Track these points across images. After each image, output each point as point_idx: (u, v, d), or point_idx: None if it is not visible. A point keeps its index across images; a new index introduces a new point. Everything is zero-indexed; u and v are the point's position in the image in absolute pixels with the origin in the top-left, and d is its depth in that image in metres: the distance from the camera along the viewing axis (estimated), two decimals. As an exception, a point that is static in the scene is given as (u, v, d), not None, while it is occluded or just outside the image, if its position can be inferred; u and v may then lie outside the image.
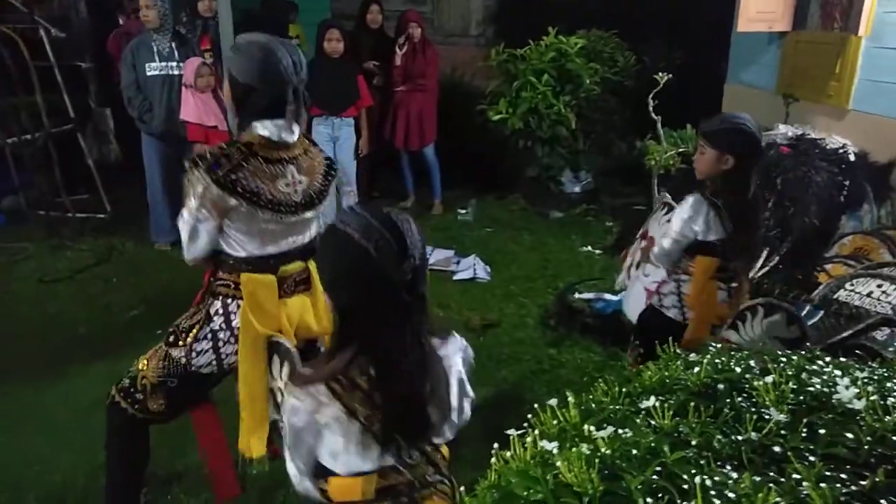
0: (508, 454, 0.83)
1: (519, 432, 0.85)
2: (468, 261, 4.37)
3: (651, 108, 4.01)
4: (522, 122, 4.97)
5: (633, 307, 2.70)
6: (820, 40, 4.18)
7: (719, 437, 0.74)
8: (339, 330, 1.22)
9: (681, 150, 4.47)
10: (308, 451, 1.26)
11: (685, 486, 0.62)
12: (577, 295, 3.69)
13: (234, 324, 1.88)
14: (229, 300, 1.88)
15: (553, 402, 0.88)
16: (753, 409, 0.81)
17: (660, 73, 3.83)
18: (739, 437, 0.74)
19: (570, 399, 0.90)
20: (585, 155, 5.55)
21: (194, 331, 1.90)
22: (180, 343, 1.90)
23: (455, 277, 4.23)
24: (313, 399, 1.18)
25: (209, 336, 1.89)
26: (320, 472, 1.27)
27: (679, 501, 0.62)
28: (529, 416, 0.97)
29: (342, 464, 1.24)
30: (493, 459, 0.85)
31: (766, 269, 3.47)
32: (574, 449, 0.71)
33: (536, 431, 0.83)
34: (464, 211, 5.40)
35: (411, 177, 5.52)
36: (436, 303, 3.86)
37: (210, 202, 1.75)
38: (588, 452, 0.69)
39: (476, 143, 5.68)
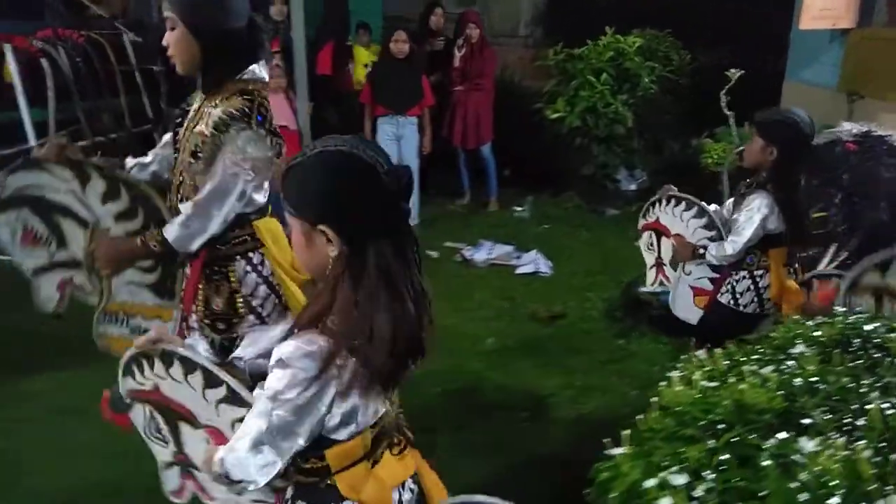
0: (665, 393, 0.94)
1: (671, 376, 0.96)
2: (530, 255, 4.48)
3: (724, 105, 4.05)
4: (580, 121, 5.06)
5: (682, 306, 2.65)
6: (886, 37, 4.18)
7: (865, 378, 0.85)
8: (346, 260, 1.09)
9: (740, 148, 4.51)
10: (310, 426, 1.09)
11: (853, 406, 0.73)
12: (643, 288, 3.77)
13: (265, 273, 1.82)
14: (251, 254, 1.81)
15: (701, 353, 0.99)
16: (889, 359, 0.91)
17: (731, 70, 3.88)
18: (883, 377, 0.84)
19: (717, 351, 1.01)
20: (640, 153, 5.62)
21: (238, 306, 1.81)
22: (235, 321, 1.82)
23: (517, 271, 4.34)
24: (327, 350, 1.05)
25: (253, 298, 1.83)
26: (313, 448, 1.13)
27: (849, 419, 0.73)
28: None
29: (352, 427, 1.13)
30: (654, 399, 0.96)
31: (835, 263, 3.50)
32: (741, 384, 0.82)
33: (696, 374, 0.94)
34: (520, 208, 5.51)
35: (467, 175, 5.65)
36: (500, 295, 3.99)
37: (261, 160, 1.69)
38: (758, 382, 0.80)
39: (528, 141, 5.81)
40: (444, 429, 2.68)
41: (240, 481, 1.10)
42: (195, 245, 1.74)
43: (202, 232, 1.72)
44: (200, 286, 1.81)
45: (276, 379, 1.07)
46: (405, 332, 1.09)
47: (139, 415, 1.47)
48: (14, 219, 1.83)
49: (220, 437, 1.36)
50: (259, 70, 1.78)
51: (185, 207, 1.73)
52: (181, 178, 1.78)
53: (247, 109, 1.68)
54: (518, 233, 5.02)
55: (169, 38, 1.68)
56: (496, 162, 5.50)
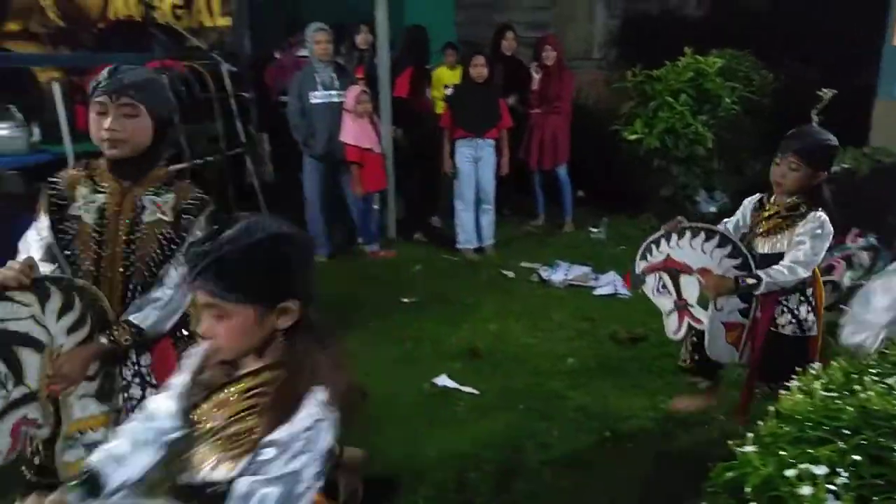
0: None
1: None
2: (608, 277, 4.46)
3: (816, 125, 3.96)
4: (659, 142, 5.04)
5: (717, 346, 2.50)
6: None
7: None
8: (303, 325, 1.20)
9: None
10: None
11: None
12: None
13: None
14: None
15: (817, 365, 1.01)
16: None
17: (824, 90, 3.79)
18: None
19: (835, 363, 1.03)
20: (721, 174, 5.52)
21: None
22: None
23: (596, 292, 4.33)
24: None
25: None
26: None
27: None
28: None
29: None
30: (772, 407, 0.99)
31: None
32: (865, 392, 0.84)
33: (816, 383, 0.96)
34: (596, 230, 5.51)
35: (542, 196, 5.70)
36: (579, 316, 3.99)
37: None
38: (884, 390, 0.82)
39: (603, 163, 5.82)
40: (528, 446, 2.71)
41: None
42: (170, 324, 1.77)
43: (179, 309, 1.78)
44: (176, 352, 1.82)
45: (297, 460, 1.12)
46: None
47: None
48: None
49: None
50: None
51: (163, 293, 1.73)
52: (133, 269, 1.74)
53: (204, 196, 1.82)
54: (594, 254, 5.01)
55: (124, 124, 1.66)
56: (572, 183, 5.53)
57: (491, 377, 3.29)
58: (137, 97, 1.66)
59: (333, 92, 4.72)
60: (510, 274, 4.67)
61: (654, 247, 2.57)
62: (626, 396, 3.08)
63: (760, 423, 0.98)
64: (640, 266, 2.65)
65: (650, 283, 2.65)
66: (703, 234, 2.43)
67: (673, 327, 2.67)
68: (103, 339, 1.69)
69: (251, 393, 1.19)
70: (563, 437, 2.77)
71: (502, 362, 3.46)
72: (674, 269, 2.54)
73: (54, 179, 1.76)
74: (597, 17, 7.97)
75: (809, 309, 2.43)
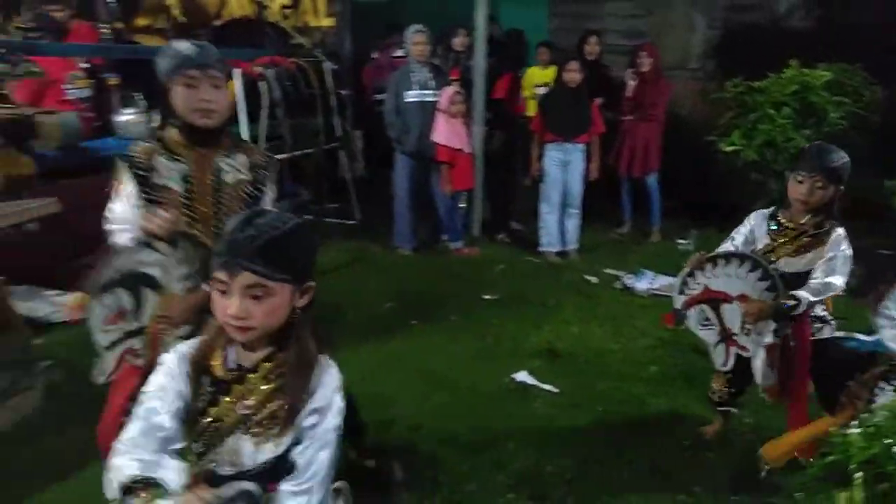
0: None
1: None
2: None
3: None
4: (757, 155, 4.88)
5: (762, 371, 2.41)
6: None
7: None
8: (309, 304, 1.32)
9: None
10: None
11: None
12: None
13: None
14: None
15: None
16: None
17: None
18: None
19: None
20: (822, 192, 5.28)
21: None
22: None
23: (681, 303, 4.25)
24: None
25: None
26: None
27: None
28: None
29: None
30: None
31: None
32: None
33: None
34: (684, 241, 5.39)
35: (630, 204, 5.64)
36: (663, 325, 3.92)
37: None
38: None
39: (695, 174, 5.69)
40: (604, 448, 2.72)
41: None
42: None
43: None
44: None
45: (335, 420, 1.32)
46: None
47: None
48: (113, 300, 1.82)
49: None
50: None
51: None
52: (221, 227, 1.79)
53: (270, 154, 2.04)
54: (681, 265, 4.86)
55: (215, 94, 1.82)
56: (660, 192, 5.45)
57: (570, 377, 3.30)
58: (222, 70, 1.85)
59: (428, 92, 4.86)
60: (593, 279, 4.66)
61: (689, 280, 2.49)
62: (708, 408, 3.02)
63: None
64: (680, 301, 2.52)
65: (693, 317, 2.53)
66: (735, 261, 2.36)
67: (721, 359, 2.54)
68: (206, 288, 1.83)
69: (272, 376, 1.30)
70: (641, 442, 2.76)
71: (582, 364, 3.47)
72: (714, 300, 2.44)
73: (131, 154, 1.87)
74: (696, 26, 7.79)
75: (822, 307, 2.47)
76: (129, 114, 4.76)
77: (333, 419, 1.31)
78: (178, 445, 1.29)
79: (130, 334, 1.86)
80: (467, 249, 5.18)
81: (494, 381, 3.27)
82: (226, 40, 5.88)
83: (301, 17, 6.33)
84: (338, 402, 1.32)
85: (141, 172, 1.85)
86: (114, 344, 1.86)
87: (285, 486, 1.27)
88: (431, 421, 2.87)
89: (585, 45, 5.38)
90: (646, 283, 4.47)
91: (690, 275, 2.47)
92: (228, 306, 1.22)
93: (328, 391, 1.31)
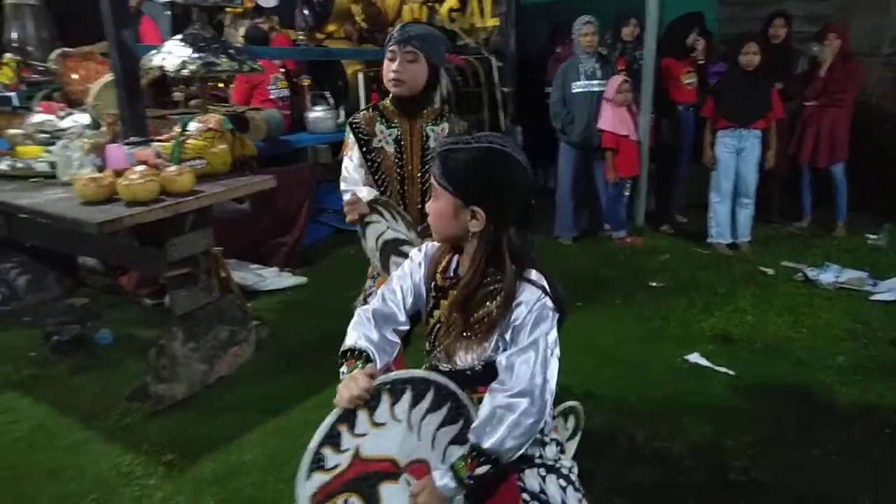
0: None
1: None
2: (890, 283, 4.02)
3: None
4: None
5: None
6: None
7: None
8: (486, 237, 1.34)
9: None
10: None
11: None
12: None
13: None
14: None
15: None
16: None
17: None
18: None
19: None
20: None
21: None
22: None
23: (873, 298, 3.93)
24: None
25: None
26: None
27: None
28: None
29: None
30: None
31: None
32: None
33: None
34: (874, 236, 4.95)
35: (811, 196, 5.28)
36: (852, 318, 3.67)
37: None
38: None
39: (888, 166, 5.20)
40: (790, 429, 2.62)
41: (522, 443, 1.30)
42: None
43: None
44: None
45: (540, 327, 1.31)
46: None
47: None
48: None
49: (422, 470, 1.33)
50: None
51: None
52: (426, 185, 2.09)
53: (464, 128, 2.14)
54: (871, 261, 4.51)
55: (405, 67, 2.01)
56: (847, 184, 5.04)
57: (747, 362, 3.20)
58: (418, 46, 2.02)
59: (595, 82, 4.91)
60: (769, 271, 4.43)
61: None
62: (909, 401, 2.80)
63: None
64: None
65: None
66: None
67: None
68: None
69: (485, 282, 1.37)
70: (832, 425, 2.63)
71: (760, 350, 3.34)
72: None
73: (355, 121, 2.14)
74: (892, 9, 7.08)
75: None
76: (319, 111, 5.30)
77: (537, 330, 1.31)
78: (403, 327, 1.47)
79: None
80: (630, 238, 5.14)
81: (664, 360, 3.26)
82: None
83: (468, 19, 6.62)
84: (537, 316, 1.32)
85: (363, 136, 2.14)
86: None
87: (491, 387, 1.32)
88: (603, 392, 2.93)
89: (770, 28, 5.11)
90: (831, 275, 4.18)
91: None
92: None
93: (528, 303, 1.32)
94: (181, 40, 3.51)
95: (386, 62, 2.07)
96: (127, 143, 3.18)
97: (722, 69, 5.28)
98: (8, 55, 5.68)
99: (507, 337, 1.34)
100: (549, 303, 1.33)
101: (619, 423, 2.67)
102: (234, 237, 4.04)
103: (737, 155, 4.70)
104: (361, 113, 2.19)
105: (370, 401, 1.30)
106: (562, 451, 1.51)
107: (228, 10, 5.37)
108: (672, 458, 2.45)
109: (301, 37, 5.37)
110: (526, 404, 1.28)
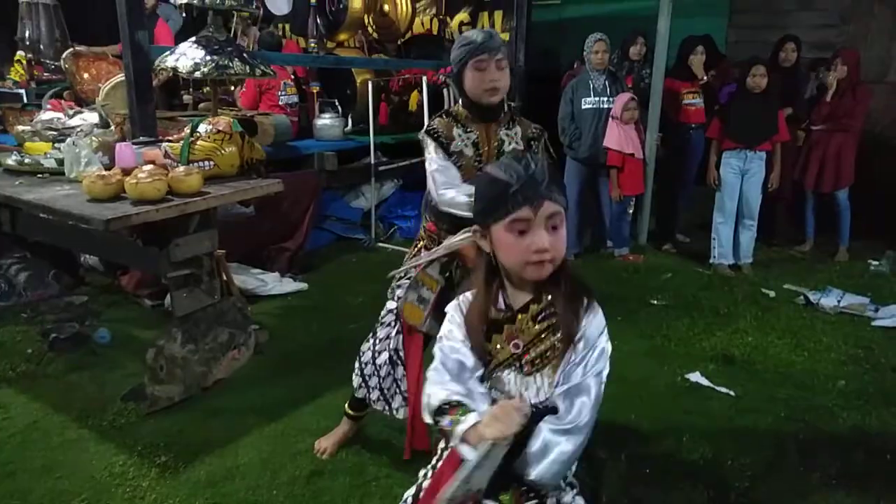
0: None
1: None
2: (893, 309, 4.01)
3: None
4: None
5: None
6: None
7: None
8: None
9: None
10: None
11: None
12: None
13: None
14: None
15: None
16: None
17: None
18: None
19: None
20: None
21: None
22: None
23: (875, 323, 3.91)
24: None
25: None
26: None
27: None
28: None
29: None
30: None
31: None
32: None
33: None
34: (877, 262, 4.94)
35: (813, 220, 5.28)
36: (853, 343, 3.65)
37: None
38: None
39: (893, 192, 5.22)
40: (790, 451, 2.61)
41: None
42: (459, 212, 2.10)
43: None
44: None
45: (596, 366, 1.30)
46: None
47: None
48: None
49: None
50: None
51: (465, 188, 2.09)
52: None
53: (540, 126, 2.23)
54: (873, 287, 4.51)
55: (500, 75, 2.06)
56: (851, 209, 5.04)
57: (748, 383, 3.18)
58: (506, 53, 2.09)
59: (604, 98, 4.93)
60: (771, 293, 4.42)
61: None
62: (911, 428, 2.78)
63: None
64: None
65: None
66: None
67: None
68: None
69: (542, 316, 1.31)
70: (833, 450, 2.60)
71: (761, 372, 3.32)
72: None
73: (434, 127, 2.15)
74: (898, 35, 7.13)
75: None
76: (327, 118, 5.33)
77: (598, 363, 1.28)
78: (480, 373, 1.35)
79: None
80: (633, 256, 5.14)
81: (665, 378, 3.24)
82: (409, 53, 6.38)
83: (477, 34, 6.69)
84: (602, 345, 1.30)
85: (443, 141, 2.14)
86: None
87: (546, 424, 1.26)
88: (603, 407, 2.88)
89: (781, 52, 5.14)
90: (833, 299, 4.17)
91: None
92: (534, 242, 1.24)
93: (594, 332, 1.29)
94: (195, 42, 3.53)
95: (474, 72, 2.05)
96: (136, 143, 3.19)
97: (733, 89, 5.30)
98: (20, 53, 5.73)
99: (570, 365, 1.29)
100: (606, 335, 1.31)
101: (620, 440, 2.64)
102: (237, 241, 4.03)
103: (741, 176, 4.71)
104: (436, 120, 2.20)
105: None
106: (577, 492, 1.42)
107: (241, 14, 5.41)
108: (672, 478, 2.43)
109: (313, 44, 5.40)
110: (580, 440, 1.26)
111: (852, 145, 4.97)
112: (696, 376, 3.23)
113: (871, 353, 3.53)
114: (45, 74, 5.72)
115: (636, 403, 2.97)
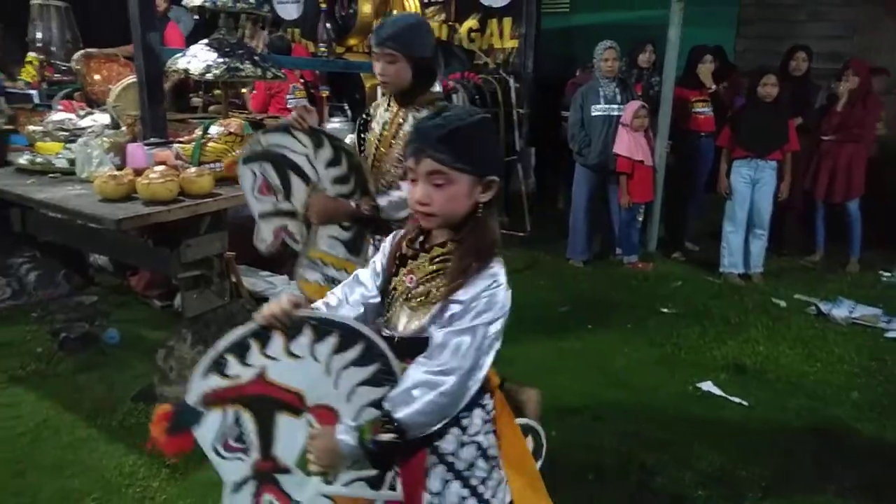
0: None
1: None
2: (905, 320, 3.98)
3: None
4: None
5: None
6: None
7: None
8: (493, 200, 1.31)
9: None
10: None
11: None
12: None
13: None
14: None
15: None
16: None
17: None
18: None
19: None
20: None
21: None
22: None
23: (888, 335, 3.89)
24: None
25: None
26: None
27: None
28: None
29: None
30: None
31: None
32: None
33: None
34: (889, 274, 4.92)
35: (824, 230, 5.25)
36: (866, 354, 3.63)
37: None
38: None
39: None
40: (805, 462, 2.58)
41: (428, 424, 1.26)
42: (401, 215, 2.07)
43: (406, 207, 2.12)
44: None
45: (483, 316, 1.25)
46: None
47: (212, 427, 1.27)
48: (258, 169, 2.13)
49: (328, 417, 1.28)
50: (438, 86, 2.21)
51: (403, 189, 2.07)
52: (386, 168, 2.16)
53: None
54: (885, 298, 4.48)
55: (388, 69, 2.06)
56: (862, 220, 5.02)
57: (760, 393, 3.16)
58: (394, 46, 2.05)
59: (614, 106, 4.93)
60: (782, 303, 4.39)
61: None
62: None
63: None
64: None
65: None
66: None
67: None
68: (352, 202, 2.14)
69: (438, 259, 1.34)
70: (847, 461, 2.58)
71: (773, 382, 3.29)
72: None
73: (368, 109, 2.27)
74: (909, 47, 7.12)
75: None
76: (336, 122, 5.33)
77: (481, 317, 1.26)
78: (374, 300, 1.43)
79: (282, 213, 2.18)
80: (642, 264, 5.12)
81: (676, 386, 3.22)
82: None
83: (487, 40, 6.69)
84: (485, 304, 1.26)
85: (366, 116, 2.27)
86: (266, 215, 2.20)
87: (417, 360, 1.28)
88: (613, 414, 2.90)
89: (791, 61, 5.13)
90: (845, 310, 4.14)
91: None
92: (414, 193, 1.31)
93: (476, 289, 1.27)
94: (206, 45, 3.53)
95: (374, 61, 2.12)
96: (147, 144, 3.19)
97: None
98: (32, 54, 5.75)
99: (448, 314, 1.28)
100: (502, 294, 1.28)
101: (631, 449, 2.62)
102: (246, 243, 4.02)
103: (752, 185, 4.69)
104: (381, 98, 2.28)
105: (290, 329, 1.24)
106: (491, 462, 1.40)
107: (250, 17, 5.43)
108: (684, 487, 2.40)
109: (323, 49, 5.41)
110: (448, 384, 1.24)
111: (863, 155, 4.95)
112: (707, 385, 3.20)
113: (884, 364, 3.50)
114: (57, 76, 5.73)
115: (646, 411, 2.95)
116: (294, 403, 1.29)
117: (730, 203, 4.79)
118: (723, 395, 3.12)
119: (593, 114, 4.95)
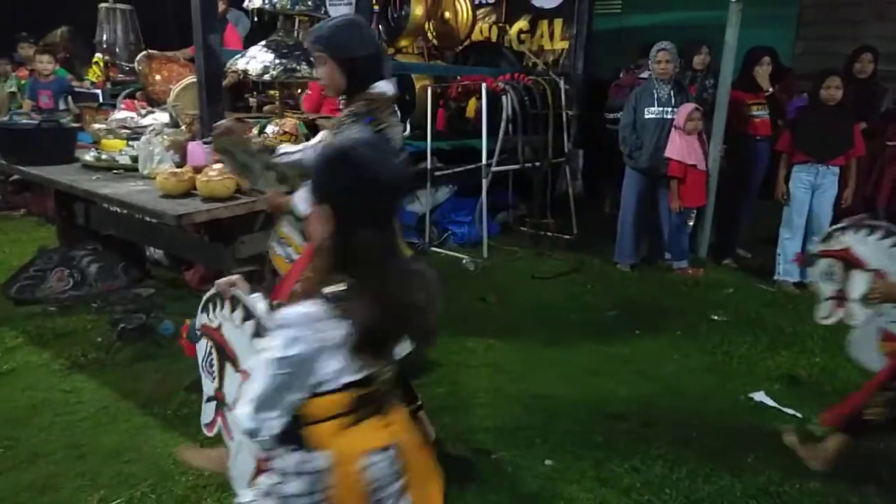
0: None
1: None
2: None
3: None
4: None
5: (863, 349, 2.54)
6: None
7: None
8: (337, 239, 1.26)
9: None
10: (303, 382, 1.23)
11: None
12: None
13: None
14: None
15: None
16: None
17: None
18: None
19: None
20: None
21: None
22: None
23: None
24: (319, 316, 1.21)
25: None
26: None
27: None
28: None
29: (335, 381, 1.24)
30: None
31: None
32: None
33: None
34: (956, 285, 4.68)
35: (886, 240, 5.03)
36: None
37: None
38: None
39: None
40: (866, 480, 2.49)
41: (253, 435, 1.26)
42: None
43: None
44: None
45: (276, 340, 1.21)
46: (389, 308, 1.25)
47: (202, 348, 1.74)
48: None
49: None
50: (385, 86, 2.11)
51: (308, 152, 2.20)
52: None
53: (362, 111, 2.04)
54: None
55: (319, 71, 2.08)
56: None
57: (816, 405, 3.03)
58: (320, 48, 2.07)
59: (669, 108, 4.83)
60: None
61: (838, 234, 2.59)
62: None
63: None
64: (819, 247, 2.69)
65: (821, 266, 2.67)
66: (876, 232, 2.42)
67: (823, 312, 2.77)
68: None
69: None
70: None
71: (830, 395, 3.17)
72: (849, 262, 2.55)
73: None
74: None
75: None
76: (386, 123, 5.38)
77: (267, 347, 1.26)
78: None
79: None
80: (692, 270, 5.01)
81: (727, 395, 3.14)
82: (467, 60, 6.41)
83: (537, 41, 6.67)
84: (294, 330, 1.22)
85: None
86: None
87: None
88: (663, 422, 2.84)
89: (856, 62, 4.94)
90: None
91: (841, 230, 2.56)
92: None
93: (290, 313, 1.25)
94: (265, 46, 3.63)
95: None
96: (206, 142, 3.29)
97: (802, 103, 5.13)
98: (98, 55, 6.00)
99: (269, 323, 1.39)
100: (280, 334, 1.22)
101: (681, 457, 2.57)
102: (296, 240, 4.10)
103: (812, 192, 4.54)
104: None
105: (233, 301, 1.58)
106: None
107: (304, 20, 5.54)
108: (736, 499, 2.34)
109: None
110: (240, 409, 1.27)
111: (931, 163, 4.74)
112: (760, 395, 3.12)
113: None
114: (120, 76, 5.98)
115: (696, 419, 2.88)
116: (234, 361, 1.63)
117: (787, 209, 4.65)
118: (776, 406, 3.04)
119: (646, 116, 4.87)
